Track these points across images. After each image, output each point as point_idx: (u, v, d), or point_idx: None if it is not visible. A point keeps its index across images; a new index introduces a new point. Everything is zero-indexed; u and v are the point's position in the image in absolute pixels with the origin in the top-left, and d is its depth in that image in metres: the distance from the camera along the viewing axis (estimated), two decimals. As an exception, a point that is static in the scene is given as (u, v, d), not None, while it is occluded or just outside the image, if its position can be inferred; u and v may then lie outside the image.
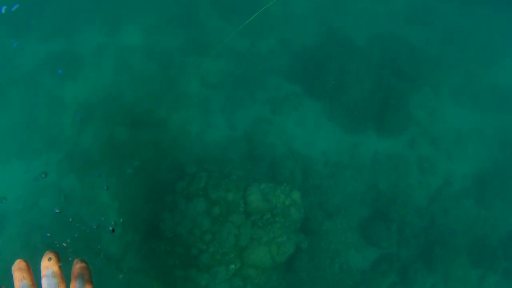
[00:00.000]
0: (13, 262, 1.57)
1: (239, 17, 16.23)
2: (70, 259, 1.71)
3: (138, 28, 16.16)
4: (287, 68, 15.80)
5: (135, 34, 15.99)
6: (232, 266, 10.46)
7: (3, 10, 12.76)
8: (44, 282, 1.55)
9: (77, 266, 1.59)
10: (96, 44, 15.57)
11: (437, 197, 14.51)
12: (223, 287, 10.45)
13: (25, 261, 1.59)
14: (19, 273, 1.55)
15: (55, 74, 14.42)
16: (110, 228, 12.34)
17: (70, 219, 11.81)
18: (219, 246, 10.25)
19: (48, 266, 1.56)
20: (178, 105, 14.14)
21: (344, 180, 13.98)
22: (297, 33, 16.75)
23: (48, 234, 12.76)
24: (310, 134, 14.77)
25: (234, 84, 15.00)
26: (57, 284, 1.55)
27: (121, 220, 12.15)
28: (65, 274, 1.59)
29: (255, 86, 15.08)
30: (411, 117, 15.68)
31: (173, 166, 12.56)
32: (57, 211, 12.77)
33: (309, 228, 12.31)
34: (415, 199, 14.27)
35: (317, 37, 16.84)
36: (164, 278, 11.01)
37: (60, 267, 1.58)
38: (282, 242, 10.86)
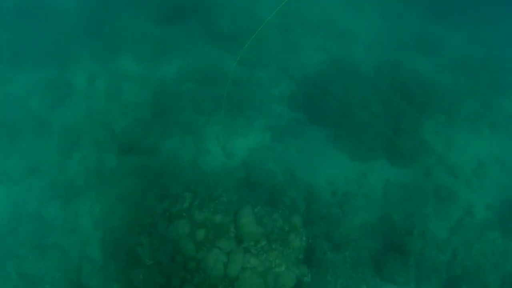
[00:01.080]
0: None
1: (235, 43, 15.81)
2: None
3: (132, 56, 16.03)
4: (287, 95, 15.08)
5: (129, 62, 15.79)
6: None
7: None
8: None
9: None
10: (88, 71, 15.39)
11: (458, 229, 13.01)
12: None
13: None
14: None
15: (44, 100, 13.98)
16: None
17: None
18: (204, 276, 8.93)
19: None
20: (171, 132, 13.33)
21: (352, 210, 12.69)
22: (298, 62, 16.18)
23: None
24: (314, 162, 13.69)
25: (231, 112, 14.22)
26: None
27: None
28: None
29: (255, 114, 14.34)
30: (424, 143, 14.56)
31: (161, 194, 11.49)
32: None
33: (313, 260, 10.87)
34: (434, 231, 12.77)
35: (319, 66, 16.15)
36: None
37: None
38: (280, 273, 9.52)
